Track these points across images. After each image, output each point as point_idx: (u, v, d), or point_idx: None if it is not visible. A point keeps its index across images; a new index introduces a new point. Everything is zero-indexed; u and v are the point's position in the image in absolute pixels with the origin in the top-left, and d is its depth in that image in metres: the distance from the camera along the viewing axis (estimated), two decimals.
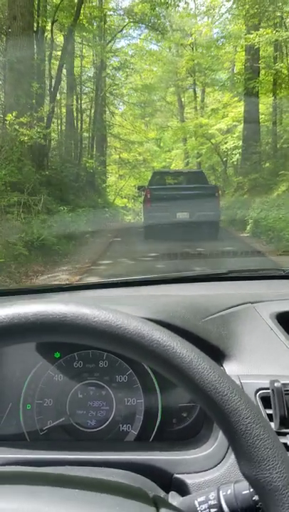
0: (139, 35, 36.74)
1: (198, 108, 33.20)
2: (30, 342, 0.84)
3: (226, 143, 27.41)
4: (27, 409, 1.08)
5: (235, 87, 22.58)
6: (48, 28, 15.26)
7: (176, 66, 34.37)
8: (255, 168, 18.78)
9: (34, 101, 11.95)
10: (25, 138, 10.17)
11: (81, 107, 20.14)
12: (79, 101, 23.70)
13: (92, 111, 23.08)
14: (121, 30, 23.05)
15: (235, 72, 24.19)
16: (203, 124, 27.81)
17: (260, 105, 20.90)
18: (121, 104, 31.09)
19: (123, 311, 0.63)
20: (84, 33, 19.18)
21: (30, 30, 13.14)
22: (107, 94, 27.36)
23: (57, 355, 1.10)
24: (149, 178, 15.60)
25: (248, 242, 12.03)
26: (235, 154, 27.48)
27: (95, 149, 25.86)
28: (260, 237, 12.58)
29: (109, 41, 22.89)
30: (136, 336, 0.59)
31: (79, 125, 21.72)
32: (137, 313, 0.83)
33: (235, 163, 28.91)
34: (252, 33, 16.32)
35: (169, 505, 0.62)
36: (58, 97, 18.15)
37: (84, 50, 23.06)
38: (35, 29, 14.05)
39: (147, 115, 36.21)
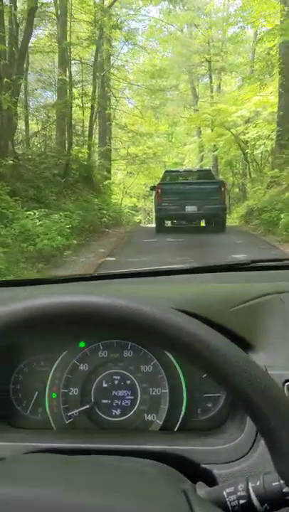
0: (148, 12, 31.98)
1: (214, 94, 28.10)
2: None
3: (246, 133, 22.71)
4: (53, 397, 1.04)
5: (269, 55, 17.50)
6: None
7: (190, 49, 29.53)
8: None
9: None
10: None
11: (71, 79, 15.21)
12: (80, 82, 19.05)
13: (94, 97, 18.18)
14: None
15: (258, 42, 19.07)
16: (222, 111, 22.89)
17: None
18: (127, 89, 26.05)
19: (150, 302, 0.60)
20: None
21: None
22: (112, 76, 22.55)
23: (82, 344, 1.05)
24: (160, 176, 15.73)
25: None
26: (260, 145, 22.79)
27: (96, 139, 21.09)
28: None
29: (111, 4, 17.97)
30: (192, 339, 0.57)
31: (77, 108, 16.91)
32: (163, 304, 0.72)
33: (260, 155, 24.18)
34: None
35: (201, 500, 0.60)
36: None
37: (85, 28, 18.31)
38: None
39: (158, 104, 31.35)
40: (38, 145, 14.38)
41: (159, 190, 13.11)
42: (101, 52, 17.64)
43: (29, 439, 0.94)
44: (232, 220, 19.37)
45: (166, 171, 16.14)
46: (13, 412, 1.06)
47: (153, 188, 14.37)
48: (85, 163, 15.74)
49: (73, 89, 17.04)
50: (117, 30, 17.83)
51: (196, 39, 29.93)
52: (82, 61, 18.68)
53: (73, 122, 17.59)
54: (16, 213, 8.72)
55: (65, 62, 14.89)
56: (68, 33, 14.96)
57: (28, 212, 9.36)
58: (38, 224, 8.88)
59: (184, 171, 17.23)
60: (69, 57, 14.71)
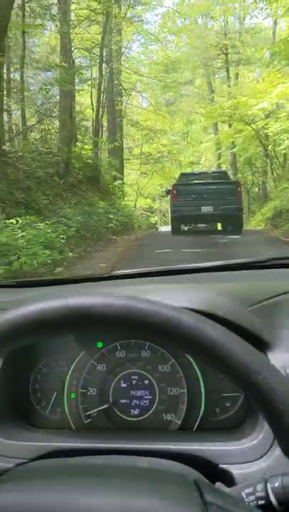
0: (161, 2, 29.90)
1: (232, 85, 25.86)
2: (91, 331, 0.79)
3: (267, 128, 20.55)
4: (71, 397, 1.02)
5: None
6: None
7: (205, 41, 27.37)
8: None
9: None
10: None
11: (71, 60, 13.17)
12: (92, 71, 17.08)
13: (101, 80, 16.18)
14: None
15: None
16: (241, 104, 20.76)
17: None
18: (139, 85, 23.97)
19: (165, 301, 0.59)
20: None
21: None
22: (123, 69, 20.56)
23: (99, 344, 1.03)
24: (176, 177, 15.49)
25: None
26: (284, 140, 20.62)
27: (104, 136, 19.12)
28: None
29: None
30: (199, 338, 0.56)
31: (81, 99, 14.93)
32: (179, 304, 0.75)
33: (283, 151, 21.95)
34: None
35: (213, 488, 0.59)
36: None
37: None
38: None
39: (172, 100, 29.30)
40: (35, 141, 12.42)
41: (175, 191, 12.61)
42: (108, 34, 15.60)
43: (49, 439, 0.93)
44: (255, 222, 17.24)
45: (181, 173, 15.73)
46: (32, 411, 1.03)
47: (168, 192, 13.76)
48: (89, 161, 13.74)
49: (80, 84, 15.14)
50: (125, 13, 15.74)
51: (212, 29, 27.77)
52: (89, 50, 16.69)
53: (80, 118, 15.65)
54: None
55: (65, 47, 12.92)
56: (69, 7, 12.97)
57: (10, 221, 7.41)
58: (19, 235, 6.91)
59: (200, 173, 16.81)
60: (69, 40, 12.73)
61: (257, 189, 28.60)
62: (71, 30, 14.00)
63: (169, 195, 13.41)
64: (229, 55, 27.60)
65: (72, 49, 14.92)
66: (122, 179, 21.31)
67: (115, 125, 20.55)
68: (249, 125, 21.69)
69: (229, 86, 26.03)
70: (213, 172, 17.29)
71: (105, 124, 19.51)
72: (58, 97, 13.74)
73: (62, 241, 8.28)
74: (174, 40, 26.98)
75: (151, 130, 24.23)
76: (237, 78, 26.99)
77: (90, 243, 10.06)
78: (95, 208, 12.10)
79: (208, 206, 12.31)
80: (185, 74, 28.83)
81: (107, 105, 18.42)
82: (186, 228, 14.08)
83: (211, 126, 29.33)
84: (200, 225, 15.65)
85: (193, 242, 10.75)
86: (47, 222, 7.78)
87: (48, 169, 10.33)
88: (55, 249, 7.62)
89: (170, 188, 13.56)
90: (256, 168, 27.60)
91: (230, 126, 24.80)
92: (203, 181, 13.66)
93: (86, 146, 13.94)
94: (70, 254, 8.33)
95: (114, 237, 12.07)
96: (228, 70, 27.77)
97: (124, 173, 24.27)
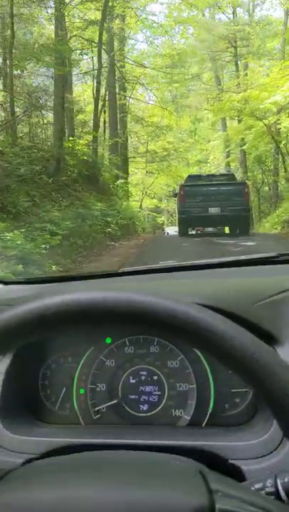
0: None
1: (241, 78, 24.15)
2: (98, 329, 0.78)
3: (279, 123, 18.96)
4: (80, 393, 1.01)
5: None
6: None
7: (213, 33, 25.72)
8: None
9: None
10: None
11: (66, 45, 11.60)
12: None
13: (100, 64, 14.61)
14: None
15: None
16: (252, 97, 19.18)
17: None
18: (144, 79, 22.32)
19: (173, 297, 0.58)
20: None
21: None
22: (127, 61, 19.00)
23: (108, 340, 1.01)
24: (184, 177, 15.67)
25: None
26: None
27: (106, 133, 17.57)
28: None
29: None
30: (206, 331, 0.55)
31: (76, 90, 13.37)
32: (188, 299, 0.73)
33: None
34: None
35: (218, 477, 0.58)
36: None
37: None
38: None
39: (179, 96, 27.72)
40: (24, 136, 10.90)
41: (182, 192, 12.40)
42: (109, 21, 14.02)
43: (58, 435, 0.91)
44: (270, 225, 15.62)
45: (189, 176, 15.60)
46: (41, 407, 1.01)
47: (175, 195, 13.60)
48: (86, 158, 12.17)
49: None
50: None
51: (220, 21, 26.13)
52: (87, 39, 15.11)
53: (76, 109, 14.10)
54: None
55: (58, 28, 11.38)
56: None
57: None
58: None
59: (207, 175, 16.50)
60: (62, 17, 11.19)
61: (267, 188, 27.07)
62: (66, 13, 12.47)
63: (177, 197, 13.12)
64: (238, 48, 25.95)
65: (69, 36, 13.42)
66: (126, 178, 19.77)
67: (118, 120, 19.00)
68: (261, 120, 20.09)
69: (238, 74, 24.36)
70: (221, 174, 17.03)
71: (108, 119, 17.97)
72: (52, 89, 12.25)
73: (44, 252, 6.76)
74: (181, 34, 25.22)
75: (157, 127, 22.62)
76: (246, 68, 25.28)
77: (81, 252, 8.52)
78: (92, 210, 10.54)
79: (215, 207, 12.14)
80: (192, 69, 27.26)
81: (108, 99, 16.87)
82: (193, 232, 13.60)
83: (219, 122, 27.76)
84: (207, 229, 15.12)
85: (201, 250, 9.17)
86: (21, 230, 6.22)
87: (34, 166, 8.79)
88: (32, 264, 6.10)
89: (177, 190, 13.21)
90: (266, 167, 26.08)
91: (239, 122, 23.26)
92: (210, 182, 13.40)
93: (81, 141, 12.35)
94: (54, 267, 6.79)
95: (113, 243, 10.52)
96: (237, 64, 26.08)
97: (129, 172, 22.76)
